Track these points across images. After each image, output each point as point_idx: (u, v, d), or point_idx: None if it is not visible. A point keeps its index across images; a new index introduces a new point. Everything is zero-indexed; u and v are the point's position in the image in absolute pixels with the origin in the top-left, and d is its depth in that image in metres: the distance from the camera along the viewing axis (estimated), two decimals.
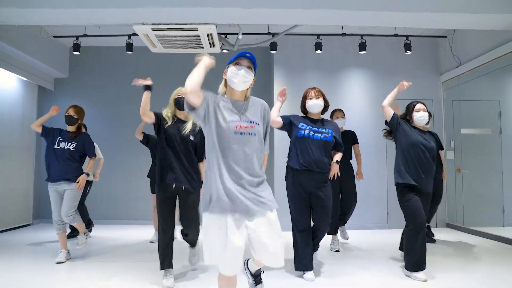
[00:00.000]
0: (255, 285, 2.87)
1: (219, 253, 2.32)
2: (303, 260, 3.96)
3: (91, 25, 6.39)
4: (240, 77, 2.47)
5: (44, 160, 4.90)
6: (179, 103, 3.96)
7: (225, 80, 2.56)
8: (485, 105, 7.04)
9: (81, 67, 8.17)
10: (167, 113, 4.01)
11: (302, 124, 4.02)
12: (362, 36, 6.93)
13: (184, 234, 4.06)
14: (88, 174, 4.90)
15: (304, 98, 4.18)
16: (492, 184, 6.74)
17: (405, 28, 6.86)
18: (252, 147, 2.43)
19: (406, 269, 4.05)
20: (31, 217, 7.67)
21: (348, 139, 5.64)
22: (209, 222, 2.36)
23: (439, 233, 6.59)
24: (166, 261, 3.78)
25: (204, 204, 2.40)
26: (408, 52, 7.01)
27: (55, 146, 4.67)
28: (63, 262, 4.61)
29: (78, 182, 4.66)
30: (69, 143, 4.70)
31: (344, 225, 5.72)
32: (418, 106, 4.21)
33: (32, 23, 5.42)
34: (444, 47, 7.46)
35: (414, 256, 3.95)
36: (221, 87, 2.60)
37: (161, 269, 3.78)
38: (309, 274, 3.91)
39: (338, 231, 5.61)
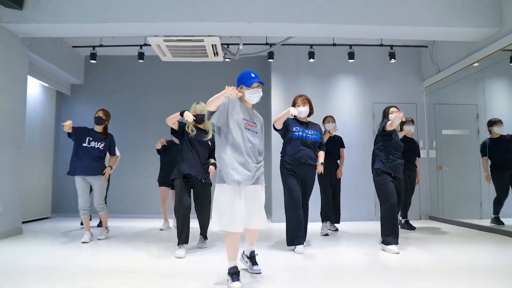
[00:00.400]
0: (253, 266, 3.59)
1: (229, 215, 3.07)
2: (294, 235, 4.67)
3: (109, 36, 7.10)
4: (258, 96, 3.35)
5: (61, 156, 5.56)
6: (197, 119, 4.75)
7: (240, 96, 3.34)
8: (464, 108, 7.66)
9: (95, 74, 8.93)
10: (190, 126, 4.76)
11: (296, 127, 4.82)
12: (351, 46, 7.67)
13: (201, 227, 4.93)
14: (111, 167, 5.64)
15: (293, 104, 4.91)
16: (470, 180, 7.29)
17: (390, 38, 7.60)
18: (255, 140, 3.33)
19: (382, 243, 4.79)
20: (49, 211, 8.38)
21: (337, 143, 6.46)
22: (222, 192, 3.14)
23: (422, 224, 7.27)
24: (183, 236, 4.52)
25: (219, 178, 3.19)
26: (393, 61, 7.76)
27: (85, 144, 5.36)
28: (87, 242, 5.32)
29: (103, 174, 5.43)
30: (99, 143, 5.44)
31: (338, 222, 6.49)
32: (392, 109, 5.05)
33: (59, 35, 6.20)
34: (426, 55, 8.21)
35: (387, 231, 4.71)
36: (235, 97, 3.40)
37: (178, 244, 4.50)
38: (299, 248, 4.61)
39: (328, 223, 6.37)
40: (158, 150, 6.60)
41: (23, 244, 5.23)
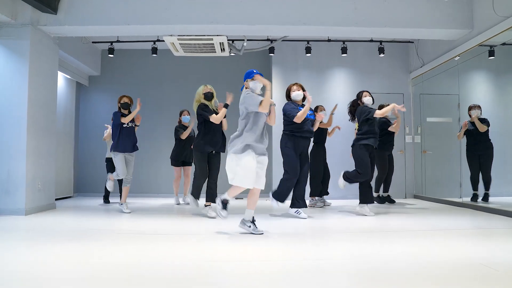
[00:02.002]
0: (256, 228, 4.43)
1: (246, 174, 4.17)
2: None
3: (129, 35, 7.91)
4: (259, 85, 4.54)
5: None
6: (207, 95, 5.85)
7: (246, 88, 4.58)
8: (447, 98, 8.32)
9: (111, 66, 9.74)
10: (210, 105, 5.91)
11: (300, 108, 5.77)
12: (343, 41, 8.49)
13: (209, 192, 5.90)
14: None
15: (288, 90, 5.93)
16: (451, 163, 7.99)
17: (378, 37, 8.40)
18: (264, 121, 4.45)
19: (359, 203, 6.02)
20: (72, 190, 9.28)
21: (324, 132, 7.34)
22: (244, 158, 4.20)
23: (406, 202, 8.16)
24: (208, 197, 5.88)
25: (241, 149, 4.24)
26: (382, 55, 8.58)
27: (126, 125, 6.38)
28: (129, 213, 6.33)
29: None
30: (131, 122, 6.46)
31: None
32: (365, 93, 6.16)
33: (85, 35, 7.02)
34: (412, 50, 9.02)
35: (363, 194, 5.94)
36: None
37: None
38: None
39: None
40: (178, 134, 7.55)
41: (61, 215, 6.18)
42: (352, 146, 6.13)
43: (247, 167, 4.17)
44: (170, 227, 5.08)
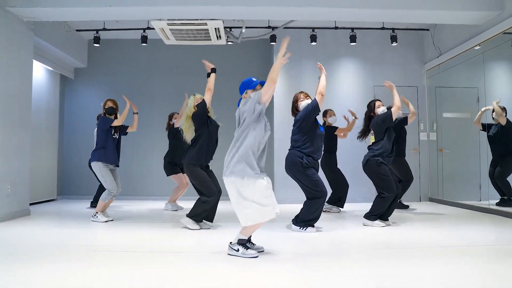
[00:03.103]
0: (254, 245, 3.62)
1: (272, 205, 3.36)
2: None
3: (113, 20, 7.16)
4: None
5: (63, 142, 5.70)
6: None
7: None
8: (465, 92, 7.77)
9: (99, 57, 8.99)
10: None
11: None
12: (352, 29, 7.71)
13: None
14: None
15: (296, 101, 5.03)
16: (470, 163, 7.42)
17: (391, 22, 7.64)
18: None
19: (368, 219, 5.17)
20: (55, 193, 8.52)
21: (332, 133, 6.60)
22: (259, 185, 3.36)
23: (422, 206, 7.41)
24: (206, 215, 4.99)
25: (249, 172, 3.36)
26: (394, 44, 7.82)
27: (114, 136, 5.69)
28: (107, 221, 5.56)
29: None
30: (116, 133, 5.76)
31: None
32: (378, 103, 5.38)
33: (63, 19, 6.29)
34: (427, 38, 8.26)
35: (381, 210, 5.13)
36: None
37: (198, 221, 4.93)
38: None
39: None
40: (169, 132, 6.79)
41: (31, 224, 5.39)
42: (365, 164, 5.27)
43: (261, 194, 3.36)
44: (156, 242, 4.31)
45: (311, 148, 4.75)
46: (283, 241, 4.25)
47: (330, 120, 6.57)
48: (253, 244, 3.63)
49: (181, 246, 4.01)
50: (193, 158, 4.86)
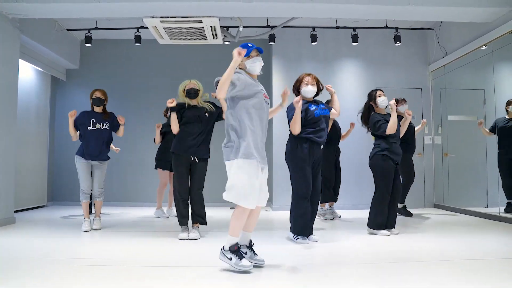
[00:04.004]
0: (254, 255, 3.28)
1: (251, 191, 3.03)
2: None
3: (104, 18, 6.88)
4: (259, 64, 3.31)
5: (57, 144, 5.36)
6: (190, 94, 4.71)
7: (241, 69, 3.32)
8: (471, 94, 7.48)
9: (92, 58, 8.68)
10: (185, 101, 4.75)
11: (310, 105, 4.47)
12: (354, 28, 7.42)
13: (194, 212, 4.71)
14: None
15: (299, 82, 4.57)
16: (477, 167, 7.15)
17: (395, 21, 7.35)
18: (267, 114, 3.32)
19: (370, 227, 4.85)
20: (45, 199, 8.18)
21: (336, 130, 6.32)
22: (245, 167, 3.05)
23: (427, 212, 7.10)
24: (184, 220, 4.64)
25: (240, 153, 3.07)
26: (398, 44, 7.52)
27: (91, 128, 5.18)
28: (88, 231, 5.15)
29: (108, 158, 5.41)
30: (104, 123, 5.26)
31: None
32: (379, 92, 5.00)
33: (51, 16, 5.99)
34: (432, 38, 7.96)
35: (383, 216, 4.76)
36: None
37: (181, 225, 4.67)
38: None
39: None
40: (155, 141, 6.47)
41: (15, 234, 5.04)
42: (371, 158, 4.95)
43: (243, 177, 3.07)
44: (147, 254, 3.97)
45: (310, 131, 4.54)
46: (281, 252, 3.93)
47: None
48: (255, 253, 3.29)
49: (171, 260, 3.68)
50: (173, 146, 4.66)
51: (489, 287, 2.72)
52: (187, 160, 4.60)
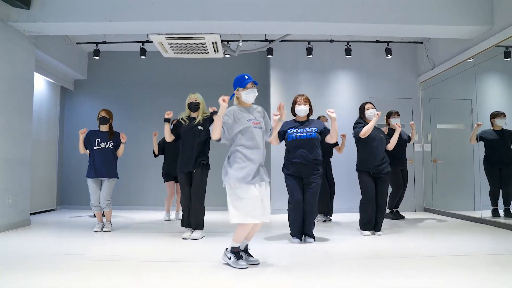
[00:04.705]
0: (249, 257, 3.69)
1: (251, 209, 3.43)
2: (292, 230, 4.94)
3: (113, 34, 7.30)
4: (253, 95, 3.66)
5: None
6: (191, 107, 5.20)
7: (237, 98, 3.72)
8: (459, 103, 7.82)
9: (98, 69, 9.13)
10: (183, 116, 5.27)
11: (290, 129, 4.95)
12: (348, 42, 7.86)
13: (190, 218, 5.17)
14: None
15: (294, 103, 5.03)
16: (464, 173, 7.46)
17: (386, 36, 7.78)
18: (260, 137, 3.64)
19: (360, 228, 5.38)
20: (55, 203, 8.61)
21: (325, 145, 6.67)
22: (240, 189, 3.46)
23: (417, 216, 7.50)
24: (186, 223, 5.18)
25: (238, 178, 3.47)
26: (389, 56, 7.96)
27: (96, 147, 5.61)
28: (98, 231, 5.61)
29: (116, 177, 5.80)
30: (108, 142, 5.67)
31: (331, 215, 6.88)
32: (367, 105, 5.51)
33: (64, 33, 6.43)
34: (421, 51, 8.40)
35: (364, 219, 5.32)
36: (234, 101, 3.75)
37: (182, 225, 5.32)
38: (295, 239, 4.87)
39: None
40: (155, 154, 6.85)
41: (32, 234, 5.48)
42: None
43: (241, 197, 3.47)
44: (157, 252, 4.40)
45: (287, 154, 5.03)
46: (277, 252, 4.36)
47: None
48: (250, 256, 3.71)
49: (179, 256, 4.10)
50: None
51: (457, 279, 3.14)
52: (186, 174, 5.13)
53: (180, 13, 5.73)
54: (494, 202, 6.41)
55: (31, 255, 4.12)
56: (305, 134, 4.86)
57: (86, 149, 5.71)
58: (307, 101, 4.97)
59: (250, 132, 3.57)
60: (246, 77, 3.64)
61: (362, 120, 5.48)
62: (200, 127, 5.08)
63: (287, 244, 4.76)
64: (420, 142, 8.41)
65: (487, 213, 6.51)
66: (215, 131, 3.48)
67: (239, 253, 3.58)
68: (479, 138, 6.53)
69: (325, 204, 6.71)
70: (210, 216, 6.30)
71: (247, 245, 3.75)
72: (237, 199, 3.46)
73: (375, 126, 5.39)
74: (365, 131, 5.23)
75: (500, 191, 6.34)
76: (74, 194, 8.84)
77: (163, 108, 8.52)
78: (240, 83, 3.64)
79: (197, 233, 5.04)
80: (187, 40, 6.43)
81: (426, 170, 8.38)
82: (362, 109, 5.54)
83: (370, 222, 5.31)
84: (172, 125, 5.29)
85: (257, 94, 3.67)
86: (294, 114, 5.05)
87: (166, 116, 5.08)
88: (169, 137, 5.16)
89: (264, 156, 3.66)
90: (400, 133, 6.41)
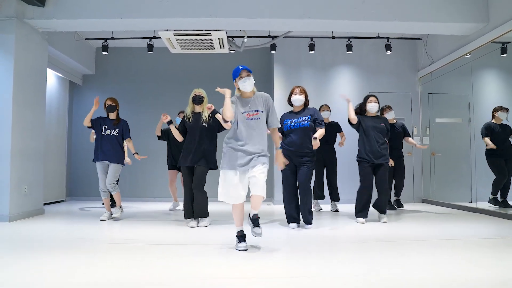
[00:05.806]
0: (254, 227, 3.85)
1: (230, 192, 3.75)
2: (288, 215, 5.27)
3: (122, 30, 7.53)
4: (249, 83, 3.84)
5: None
6: (195, 100, 5.38)
7: (238, 89, 3.97)
8: (457, 98, 8.03)
9: (106, 64, 9.37)
10: (188, 111, 5.45)
11: (286, 120, 5.27)
12: (349, 38, 8.09)
13: (193, 207, 5.37)
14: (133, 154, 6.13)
15: (291, 93, 5.34)
16: (462, 166, 7.65)
17: (385, 32, 8.00)
18: (256, 128, 3.81)
19: (355, 216, 5.68)
20: (64, 194, 8.88)
21: (332, 129, 6.96)
22: (223, 174, 3.79)
23: (415, 207, 7.75)
24: (187, 214, 5.35)
25: (222, 164, 3.83)
26: (389, 52, 8.19)
27: (102, 133, 5.85)
28: (105, 220, 5.85)
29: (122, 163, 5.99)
30: (114, 130, 5.90)
31: (337, 200, 7.08)
32: (370, 98, 5.67)
33: (76, 30, 6.65)
34: (420, 47, 8.63)
35: (358, 207, 5.61)
36: (236, 91, 4.01)
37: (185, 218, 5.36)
38: (293, 224, 5.21)
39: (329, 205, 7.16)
40: (158, 136, 7.02)
41: (47, 222, 5.75)
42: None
43: (224, 182, 3.81)
44: (164, 236, 4.67)
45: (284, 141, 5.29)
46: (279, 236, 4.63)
47: (323, 114, 6.77)
48: (255, 226, 3.79)
49: (186, 240, 4.37)
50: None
51: (450, 257, 3.40)
52: (188, 167, 5.34)
53: (188, 11, 5.96)
54: (496, 191, 6.58)
55: (49, 239, 4.39)
56: (298, 123, 5.16)
57: (92, 129, 6.02)
58: (303, 92, 5.27)
59: (241, 124, 3.80)
60: (240, 67, 3.87)
61: (358, 109, 5.76)
62: (204, 124, 5.28)
63: (288, 229, 5.03)
64: (419, 135, 8.64)
65: (483, 204, 6.72)
66: (228, 110, 3.70)
67: (241, 237, 3.82)
68: (486, 129, 6.67)
69: (331, 190, 7.02)
70: (214, 207, 6.57)
71: (254, 214, 3.82)
72: (220, 180, 3.79)
73: (377, 116, 5.68)
74: (349, 117, 5.58)
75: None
76: (82, 186, 9.12)
77: (169, 103, 8.95)
78: (235, 74, 3.88)
79: (204, 221, 5.29)
80: (194, 36, 6.67)
81: (424, 162, 8.62)
82: (365, 100, 5.73)
83: (365, 210, 5.59)
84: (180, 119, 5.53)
85: (253, 81, 3.85)
86: (290, 104, 5.36)
87: (166, 120, 5.32)
88: (180, 137, 5.39)
89: (263, 145, 3.82)
90: (394, 125, 6.69)
